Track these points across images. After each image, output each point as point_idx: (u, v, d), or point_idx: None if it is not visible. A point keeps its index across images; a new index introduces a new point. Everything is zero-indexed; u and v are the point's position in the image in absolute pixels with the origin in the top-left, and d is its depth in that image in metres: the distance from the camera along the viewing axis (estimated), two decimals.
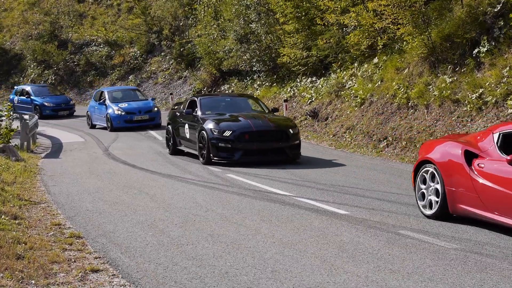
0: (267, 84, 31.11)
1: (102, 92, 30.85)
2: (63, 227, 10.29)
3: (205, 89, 36.48)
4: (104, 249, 8.87)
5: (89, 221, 10.71)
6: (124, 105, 28.96)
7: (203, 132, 17.62)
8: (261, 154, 17.57)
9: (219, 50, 33.85)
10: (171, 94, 38.56)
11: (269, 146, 17.53)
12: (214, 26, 35.05)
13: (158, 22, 43.43)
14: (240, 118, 17.88)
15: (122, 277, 7.61)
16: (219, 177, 15.34)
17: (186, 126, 19.16)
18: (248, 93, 31.94)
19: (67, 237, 9.50)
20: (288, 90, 28.53)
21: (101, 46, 47.05)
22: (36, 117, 25.50)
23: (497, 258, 8.29)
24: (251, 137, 17.37)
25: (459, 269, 7.81)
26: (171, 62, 41.79)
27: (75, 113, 37.42)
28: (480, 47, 18.23)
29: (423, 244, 8.97)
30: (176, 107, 21.73)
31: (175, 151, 20.05)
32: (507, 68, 16.90)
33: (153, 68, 42.97)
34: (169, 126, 20.46)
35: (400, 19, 20.13)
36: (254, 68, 32.16)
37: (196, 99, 19.63)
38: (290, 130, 17.76)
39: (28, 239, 8.99)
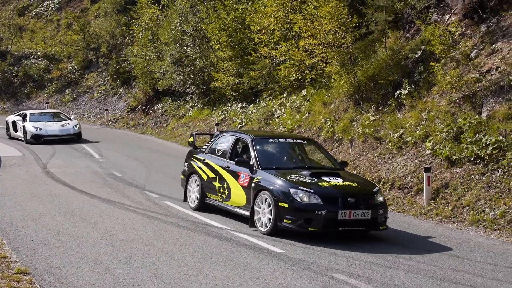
0: (199, 106, 30.94)
1: None
2: (10, 260, 9.90)
3: (139, 106, 35.99)
4: None
5: (34, 253, 10.34)
6: None
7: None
8: None
9: (156, 71, 33.42)
10: (106, 109, 37.97)
11: None
12: (151, 48, 34.59)
13: (96, 40, 42.70)
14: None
15: None
16: (157, 205, 15.08)
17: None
18: (181, 113, 31.61)
19: (14, 273, 9.13)
20: (220, 114, 28.44)
21: (40, 59, 45.90)
22: None
23: None
24: None
25: None
26: (107, 79, 41.13)
27: None
28: (402, 89, 18.55)
29: None
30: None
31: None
32: (426, 111, 17.23)
33: (90, 84, 42.20)
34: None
35: (329, 58, 20.27)
36: (188, 90, 31.89)
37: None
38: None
39: None
